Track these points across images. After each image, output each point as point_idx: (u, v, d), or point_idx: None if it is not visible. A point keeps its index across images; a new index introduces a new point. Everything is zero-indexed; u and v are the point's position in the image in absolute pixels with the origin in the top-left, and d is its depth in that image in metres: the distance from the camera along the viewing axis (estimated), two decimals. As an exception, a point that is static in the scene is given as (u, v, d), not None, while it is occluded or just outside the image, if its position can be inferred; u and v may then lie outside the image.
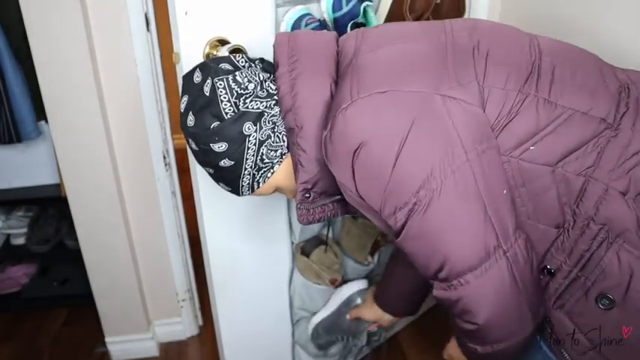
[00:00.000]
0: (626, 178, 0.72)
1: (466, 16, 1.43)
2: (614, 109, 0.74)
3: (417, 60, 0.77)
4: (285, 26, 1.13)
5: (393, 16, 1.27)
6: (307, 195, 0.88)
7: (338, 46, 0.88)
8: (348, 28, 1.17)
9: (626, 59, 1.03)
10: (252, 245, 1.32)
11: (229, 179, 0.87)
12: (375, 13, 1.28)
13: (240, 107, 0.81)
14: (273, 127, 0.84)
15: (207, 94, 0.82)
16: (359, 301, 1.41)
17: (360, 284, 1.43)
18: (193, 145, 0.85)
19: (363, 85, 0.75)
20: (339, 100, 0.77)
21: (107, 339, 1.84)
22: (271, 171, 0.88)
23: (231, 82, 0.81)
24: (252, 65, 0.86)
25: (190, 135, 0.84)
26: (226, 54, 0.98)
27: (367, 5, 1.17)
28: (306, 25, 1.12)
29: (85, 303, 1.87)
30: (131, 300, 1.77)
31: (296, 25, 1.13)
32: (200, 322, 1.99)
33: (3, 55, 1.62)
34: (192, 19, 1.00)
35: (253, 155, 0.84)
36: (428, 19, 1.29)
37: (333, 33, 0.91)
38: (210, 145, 0.82)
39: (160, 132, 1.59)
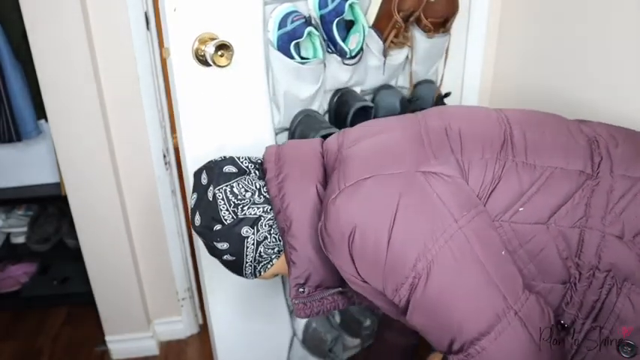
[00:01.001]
0: (619, 222, 0.74)
1: (465, 14, 1.43)
2: (589, 160, 0.77)
3: (395, 146, 0.82)
4: (273, 23, 1.15)
5: (383, 15, 1.27)
6: (302, 290, 0.94)
7: (322, 148, 0.95)
8: (334, 26, 1.17)
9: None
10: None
11: (233, 269, 0.96)
12: (365, 13, 1.28)
13: (238, 214, 0.89)
14: (270, 230, 0.91)
15: (210, 200, 0.90)
16: (314, 325, 1.47)
17: None
18: (201, 240, 0.95)
19: (348, 175, 0.80)
20: (328, 192, 0.82)
21: (107, 338, 1.84)
22: (270, 264, 0.95)
23: (229, 193, 0.89)
24: (253, 171, 0.94)
25: (197, 232, 0.94)
26: (212, 50, 1.03)
27: (353, 2, 1.18)
28: (292, 22, 1.13)
29: (85, 302, 1.87)
30: (131, 299, 1.77)
31: (283, 23, 1.14)
32: (200, 321, 1.99)
33: (3, 54, 1.62)
34: (181, 16, 1.03)
35: (252, 252, 0.92)
36: (419, 17, 1.29)
37: (319, 139, 0.99)
38: (214, 243, 0.91)
39: (160, 131, 1.59)
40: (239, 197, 0.89)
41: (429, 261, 0.72)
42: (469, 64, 1.50)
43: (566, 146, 0.80)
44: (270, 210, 0.91)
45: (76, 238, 1.68)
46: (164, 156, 1.62)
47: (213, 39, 1.05)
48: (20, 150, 1.87)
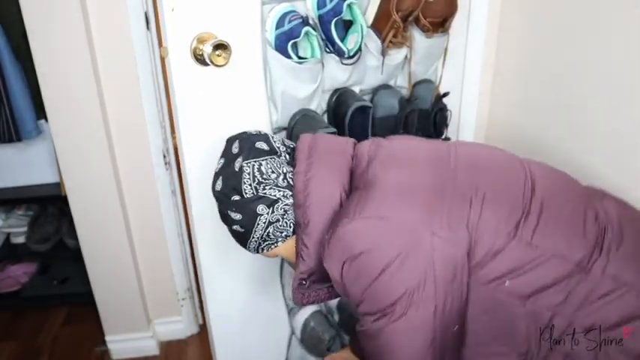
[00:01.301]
0: (589, 318, 0.78)
1: (465, 13, 1.43)
2: (588, 256, 0.80)
3: (418, 192, 0.85)
4: (270, 23, 1.15)
5: (382, 14, 1.27)
6: (304, 282, 0.99)
7: (354, 151, 0.98)
8: (332, 25, 1.18)
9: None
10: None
11: (239, 240, 1.00)
12: (364, 13, 1.29)
13: (259, 192, 0.92)
14: (284, 214, 0.95)
15: (236, 170, 0.93)
16: (312, 324, 1.47)
17: (312, 308, 1.49)
18: (217, 205, 0.98)
19: (367, 207, 0.84)
20: (344, 212, 0.86)
21: (107, 338, 1.84)
22: (275, 245, 0.99)
23: (255, 170, 0.93)
24: (283, 154, 0.97)
25: (215, 197, 0.97)
26: (210, 49, 1.04)
27: (351, 2, 1.18)
28: (290, 21, 1.14)
29: (85, 302, 1.88)
30: (131, 299, 1.78)
31: (280, 22, 1.15)
32: (200, 321, 1.99)
33: (3, 54, 1.63)
34: (179, 15, 1.04)
35: (261, 230, 0.95)
36: (417, 16, 1.29)
37: (352, 140, 1.01)
38: (228, 211, 0.95)
39: (160, 131, 1.59)
40: (264, 176, 0.93)
41: (396, 313, 0.81)
42: (469, 63, 1.50)
43: (575, 234, 0.82)
44: (290, 196, 0.94)
45: (76, 238, 1.68)
46: (164, 156, 1.63)
47: (211, 38, 1.05)
48: (20, 150, 1.87)
